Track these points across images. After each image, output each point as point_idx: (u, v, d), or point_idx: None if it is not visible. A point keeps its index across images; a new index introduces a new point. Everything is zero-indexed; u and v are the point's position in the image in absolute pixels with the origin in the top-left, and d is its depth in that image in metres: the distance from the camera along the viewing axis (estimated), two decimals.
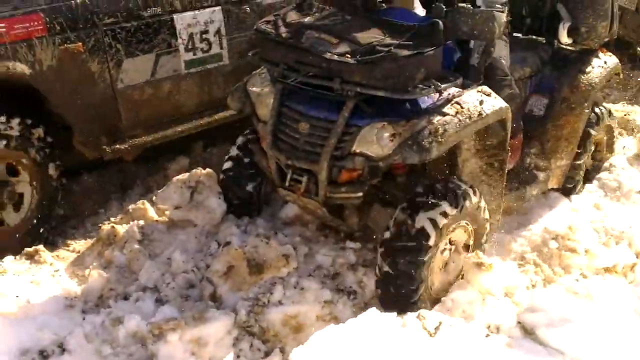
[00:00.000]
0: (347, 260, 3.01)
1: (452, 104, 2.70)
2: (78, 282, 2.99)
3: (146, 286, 2.88)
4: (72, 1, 3.27)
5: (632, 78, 5.78)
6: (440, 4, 2.75)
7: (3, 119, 3.14)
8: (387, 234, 2.72)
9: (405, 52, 2.55)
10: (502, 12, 2.79)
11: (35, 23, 3.16)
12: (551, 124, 3.54)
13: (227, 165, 3.33)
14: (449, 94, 2.74)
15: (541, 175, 3.54)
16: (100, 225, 3.29)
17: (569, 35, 3.50)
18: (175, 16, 3.63)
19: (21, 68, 3.11)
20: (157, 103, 3.68)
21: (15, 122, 3.19)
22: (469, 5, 2.76)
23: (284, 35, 2.79)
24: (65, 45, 3.25)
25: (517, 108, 3.11)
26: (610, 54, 3.79)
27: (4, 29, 3.05)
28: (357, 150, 2.66)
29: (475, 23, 2.69)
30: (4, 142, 3.15)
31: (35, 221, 3.35)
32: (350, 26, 2.82)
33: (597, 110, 3.78)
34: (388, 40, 2.66)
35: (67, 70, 3.27)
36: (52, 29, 3.19)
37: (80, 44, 3.30)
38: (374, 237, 3.01)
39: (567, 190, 3.80)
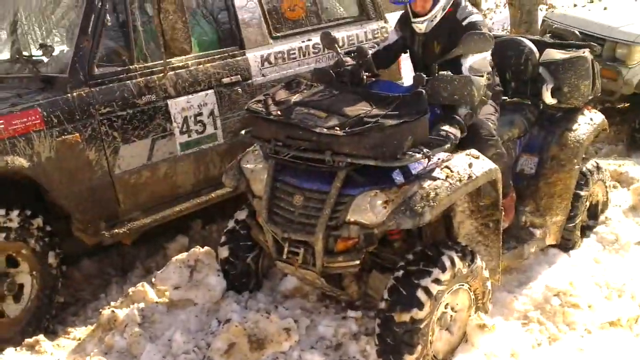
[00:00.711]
0: (349, 330, 2.99)
1: (442, 169, 2.76)
2: None
3: None
4: (69, 95, 3.40)
5: (621, 131, 5.89)
6: (421, 74, 2.87)
7: (2, 212, 3.19)
8: (382, 304, 2.72)
9: (392, 122, 2.65)
10: (481, 76, 2.90)
11: (33, 118, 3.27)
12: (543, 182, 3.59)
13: (224, 239, 3.37)
14: (439, 159, 2.81)
15: (538, 233, 3.56)
16: (100, 310, 3.28)
17: (552, 95, 3.62)
18: (169, 101, 3.75)
19: (20, 162, 3.19)
20: (154, 185, 3.74)
21: (14, 214, 3.24)
22: (448, 72, 2.87)
23: (274, 112, 2.89)
24: (63, 136, 3.35)
25: (505, 167, 3.18)
26: (595, 110, 3.90)
27: (2, 126, 3.15)
28: (352, 219, 2.70)
29: (454, 88, 2.80)
30: (4, 234, 3.19)
31: (35, 311, 3.35)
32: (338, 100, 2.92)
33: (584, 169, 3.82)
34: (375, 112, 2.76)
35: (65, 161, 3.36)
36: (50, 122, 3.30)
37: (77, 134, 3.40)
38: (375, 304, 3.00)
39: (565, 247, 3.81)
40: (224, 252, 3.34)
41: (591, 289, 3.39)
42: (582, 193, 3.78)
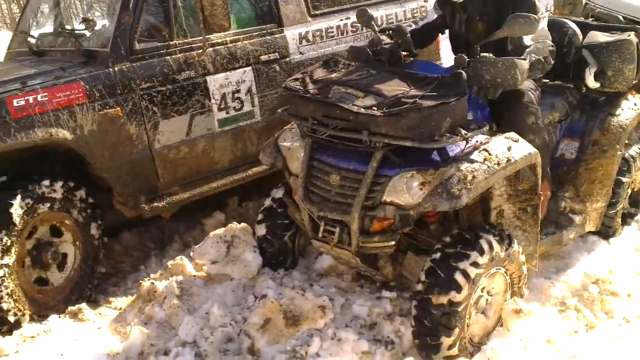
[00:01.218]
0: (384, 310, 3.00)
1: (480, 151, 2.72)
2: (120, 339, 3.04)
3: (185, 341, 2.91)
4: (110, 69, 3.45)
5: None
6: (462, 55, 2.82)
7: (47, 182, 3.28)
8: (419, 286, 2.72)
9: (430, 103, 2.61)
10: (524, 59, 2.84)
11: (76, 91, 3.32)
12: (584, 167, 3.53)
13: (261, 217, 3.39)
14: (477, 142, 2.77)
15: (577, 219, 3.50)
16: (140, 282, 3.35)
17: (595, 79, 3.53)
18: (208, 78, 3.77)
19: (63, 134, 3.26)
20: (192, 161, 3.79)
21: (58, 185, 3.32)
22: (490, 55, 2.82)
23: (311, 91, 2.87)
24: (105, 110, 3.40)
25: (543, 145, 3.11)
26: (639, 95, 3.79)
27: (46, 98, 3.22)
28: (388, 200, 2.69)
29: (497, 71, 2.75)
30: (48, 204, 3.29)
31: (78, 280, 3.45)
32: (375, 80, 2.89)
33: (626, 155, 3.73)
34: (413, 92, 2.72)
35: (107, 134, 3.42)
36: (92, 95, 3.36)
37: (118, 108, 3.45)
38: (409, 285, 3.00)
39: (605, 234, 3.75)
40: (261, 230, 3.36)
41: (631, 278, 3.33)
42: (624, 179, 3.70)
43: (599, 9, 5.09)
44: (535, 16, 2.83)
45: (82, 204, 3.45)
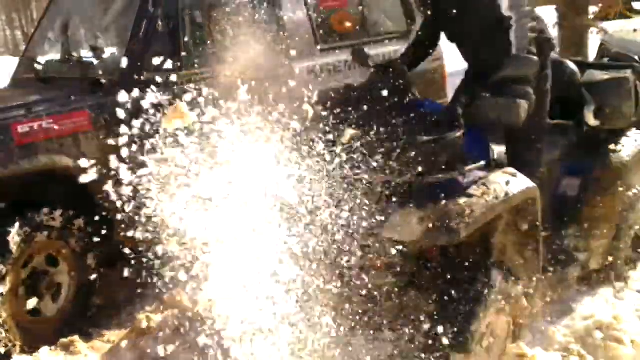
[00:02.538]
0: (385, 352, 2.93)
1: (478, 186, 2.72)
2: None
3: None
4: (116, 97, 3.44)
5: None
6: (462, 95, 2.84)
7: (46, 210, 3.25)
8: (423, 324, 2.67)
9: (427, 138, 2.63)
10: (527, 100, 2.84)
11: (81, 119, 3.32)
12: (586, 205, 3.51)
13: None
14: (475, 176, 2.76)
15: (581, 257, 3.47)
16: (135, 314, 3.29)
17: (595, 117, 3.54)
18: None
19: (66, 161, 3.24)
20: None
21: (57, 213, 3.29)
22: (492, 97, 2.83)
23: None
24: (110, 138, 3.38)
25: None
26: None
27: (51, 125, 3.21)
28: (387, 236, 2.67)
29: (500, 110, 2.78)
30: (46, 233, 3.25)
31: (72, 311, 3.39)
32: (373, 116, 2.89)
33: (630, 194, 3.70)
34: (411, 128, 2.73)
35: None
36: (97, 123, 3.35)
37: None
38: (411, 323, 2.95)
39: (613, 277, 3.70)
40: None
41: (636, 324, 3.28)
42: (628, 218, 3.67)
43: (615, 49, 5.14)
44: (536, 58, 2.84)
45: (81, 233, 3.41)
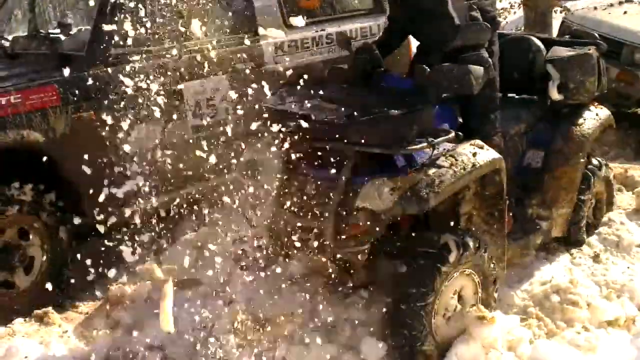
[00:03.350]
0: (352, 316, 3.03)
1: (446, 157, 2.86)
2: (86, 343, 3.02)
3: (152, 345, 2.91)
4: (85, 72, 3.45)
5: (630, 135, 5.91)
6: (422, 66, 2.93)
7: (17, 185, 3.27)
8: (390, 289, 2.81)
9: (398, 112, 2.74)
10: (481, 65, 2.93)
11: (50, 94, 3.32)
12: (549, 175, 3.66)
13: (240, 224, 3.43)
14: (444, 149, 2.90)
15: (544, 224, 3.62)
16: (108, 286, 3.34)
17: (559, 92, 3.67)
18: (183, 84, 3.80)
19: (35, 136, 3.25)
20: (165, 166, 3.79)
21: (28, 187, 3.31)
22: (448, 64, 2.92)
23: (286, 104, 2.98)
24: (78, 113, 3.40)
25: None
26: (602, 106, 3.94)
27: (19, 100, 3.21)
28: (360, 206, 2.78)
29: (452, 77, 2.87)
30: (17, 207, 3.27)
31: (45, 284, 3.41)
32: (347, 94, 3.04)
33: (594, 161, 3.92)
34: (382, 103, 2.85)
35: (80, 138, 3.41)
36: (66, 98, 3.36)
37: (92, 112, 3.46)
38: (382, 289, 3.06)
39: (572, 242, 3.87)
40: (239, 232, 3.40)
41: (591, 288, 3.43)
42: (587, 188, 3.84)
43: (575, 27, 5.29)
44: (487, 24, 2.94)
45: (52, 207, 3.43)
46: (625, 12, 6.11)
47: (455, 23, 3.03)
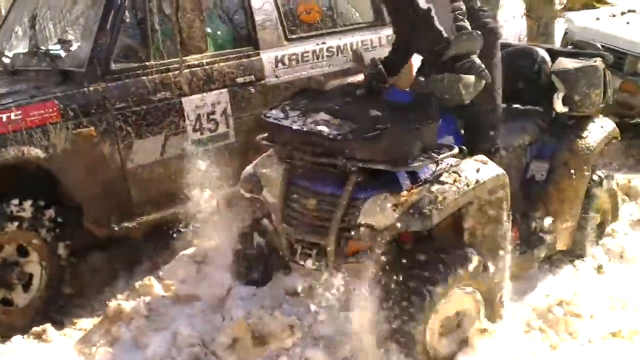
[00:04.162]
0: (352, 329, 3.00)
1: (450, 173, 2.82)
2: None
3: None
4: (85, 89, 3.47)
5: (633, 146, 5.88)
6: (420, 78, 2.92)
7: (16, 201, 3.26)
8: (385, 304, 2.77)
9: (402, 128, 2.72)
10: (473, 74, 2.91)
11: (50, 110, 3.34)
12: (553, 188, 3.62)
13: (240, 241, 3.42)
14: (447, 164, 2.86)
15: (548, 238, 3.58)
16: (107, 302, 3.32)
17: (564, 103, 3.64)
18: (183, 99, 3.81)
19: (35, 152, 3.26)
20: (166, 181, 3.80)
21: (27, 204, 3.31)
22: (440, 75, 2.89)
23: (289, 119, 2.97)
24: (78, 129, 3.41)
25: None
26: (607, 119, 3.91)
27: (20, 116, 3.22)
28: (363, 222, 2.77)
29: (443, 87, 2.85)
30: (16, 223, 3.26)
31: (43, 301, 3.41)
32: (350, 108, 3.02)
33: (599, 173, 3.88)
34: (386, 118, 2.83)
35: (80, 153, 3.42)
36: (66, 115, 3.37)
37: (92, 128, 3.46)
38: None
39: (576, 253, 3.82)
40: (239, 247, 3.39)
41: (594, 300, 3.39)
42: (597, 193, 3.81)
43: (578, 37, 5.29)
44: (478, 32, 2.93)
45: (51, 223, 3.43)
46: (628, 23, 6.10)
47: (442, 34, 3.03)
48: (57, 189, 3.48)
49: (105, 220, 3.59)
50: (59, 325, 3.37)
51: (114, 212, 3.61)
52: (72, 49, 3.87)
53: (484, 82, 2.93)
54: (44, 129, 3.30)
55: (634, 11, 6.75)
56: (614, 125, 3.89)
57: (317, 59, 4.46)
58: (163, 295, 3.31)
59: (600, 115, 3.87)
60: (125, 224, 3.65)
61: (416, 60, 3.72)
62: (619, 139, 4.07)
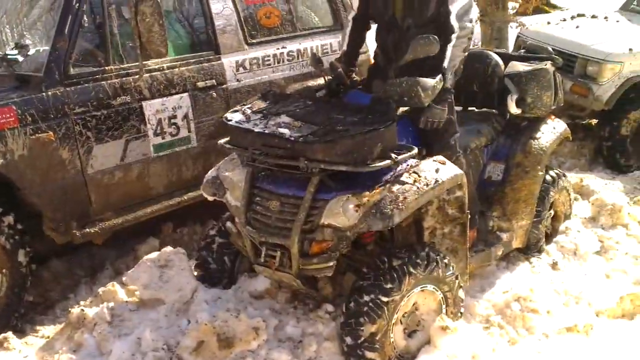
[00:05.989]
0: (317, 330, 3.05)
1: (410, 174, 2.89)
2: None
3: None
4: (44, 93, 3.42)
5: (585, 146, 6.09)
6: (379, 81, 2.99)
7: None
8: (348, 305, 2.84)
9: (362, 129, 2.77)
10: (434, 77, 2.99)
11: (7, 115, 3.28)
12: (509, 188, 3.74)
13: (204, 244, 3.46)
14: (407, 165, 2.93)
15: (504, 236, 3.69)
16: (69, 309, 3.28)
17: (517, 106, 3.76)
18: (144, 103, 3.78)
19: None
20: (126, 186, 3.77)
21: None
22: (399, 79, 2.98)
23: (251, 122, 2.99)
24: (36, 135, 3.36)
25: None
26: (558, 120, 4.05)
27: None
28: (326, 223, 2.81)
29: (402, 91, 2.93)
30: None
31: (3, 308, 3.34)
32: (311, 111, 3.06)
33: (551, 173, 4.01)
34: (346, 120, 2.89)
35: (38, 159, 3.37)
36: (24, 120, 3.32)
37: (51, 133, 3.42)
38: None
39: (531, 250, 3.95)
40: (203, 251, 3.44)
41: (550, 295, 3.51)
42: (551, 192, 3.94)
43: (530, 41, 5.46)
44: (435, 36, 3.00)
45: (10, 230, 3.36)
46: (577, 27, 6.32)
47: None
48: (16, 195, 3.41)
49: (66, 226, 3.54)
50: (20, 333, 3.31)
51: (74, 218, 3.57)
52: (29, 53, 3.81)
53: (442, 84, 3.01)
54: (1, 135, 3.24)
55: (583, 15, 7.00)
56: (566, 126, 4.04)
57: (278, 62, 4.49)
58: (126, 301, 3.28)
59: (552, 117, 4.02)
60: (86, 230, 3.60)
61: None
62: (571, 139, 4.23)
